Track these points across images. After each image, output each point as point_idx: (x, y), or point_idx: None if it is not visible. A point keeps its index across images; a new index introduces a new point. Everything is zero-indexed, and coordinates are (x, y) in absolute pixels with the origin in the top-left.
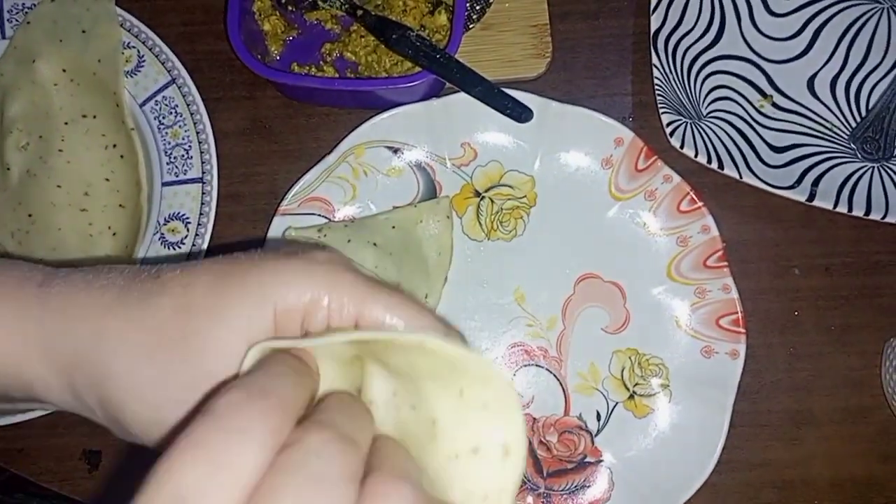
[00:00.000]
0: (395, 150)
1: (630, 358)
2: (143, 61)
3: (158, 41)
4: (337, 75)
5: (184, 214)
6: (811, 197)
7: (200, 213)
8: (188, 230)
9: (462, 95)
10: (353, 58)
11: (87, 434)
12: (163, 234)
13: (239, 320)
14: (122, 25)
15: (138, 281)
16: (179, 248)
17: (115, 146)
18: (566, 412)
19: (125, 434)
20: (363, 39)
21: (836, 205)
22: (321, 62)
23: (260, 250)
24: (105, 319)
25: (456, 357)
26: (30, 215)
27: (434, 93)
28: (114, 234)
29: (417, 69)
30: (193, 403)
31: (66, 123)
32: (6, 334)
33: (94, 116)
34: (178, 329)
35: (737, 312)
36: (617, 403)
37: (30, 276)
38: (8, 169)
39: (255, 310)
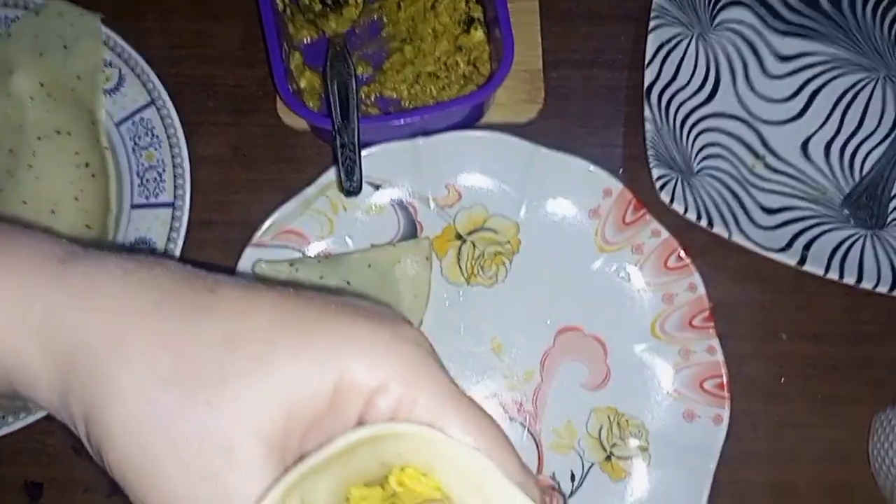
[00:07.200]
0: (378, 187)
1: (609, 417)
2: (124, 80)
3: (141, 61)
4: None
5: (150, 239)
6: (802, 261)
7: (168, 239)
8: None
9: (449, 135)
10: (395, 94)
11: (28, 463)
12: None
13: (286, 383)
14: (105, 43)
15: (190, 289)
16: None
17: (87, 165)
18: (539, 471)
19: (102, 462)
20: (400, 74)
21: (826, 271)
22: (363, 106)
23: (342, 298)
24: (131, 324)
25: None
26: None
27: (475, 118)
28: None
29: (465, 92)
30: (187, 463)
31: (38, 138)
32: (2, 311)
33: (69, 133)
34: (215, 366)
35: (721, 376)
36: (593, 464)
37: (50, 249)
38: None
39: (311, 371)
